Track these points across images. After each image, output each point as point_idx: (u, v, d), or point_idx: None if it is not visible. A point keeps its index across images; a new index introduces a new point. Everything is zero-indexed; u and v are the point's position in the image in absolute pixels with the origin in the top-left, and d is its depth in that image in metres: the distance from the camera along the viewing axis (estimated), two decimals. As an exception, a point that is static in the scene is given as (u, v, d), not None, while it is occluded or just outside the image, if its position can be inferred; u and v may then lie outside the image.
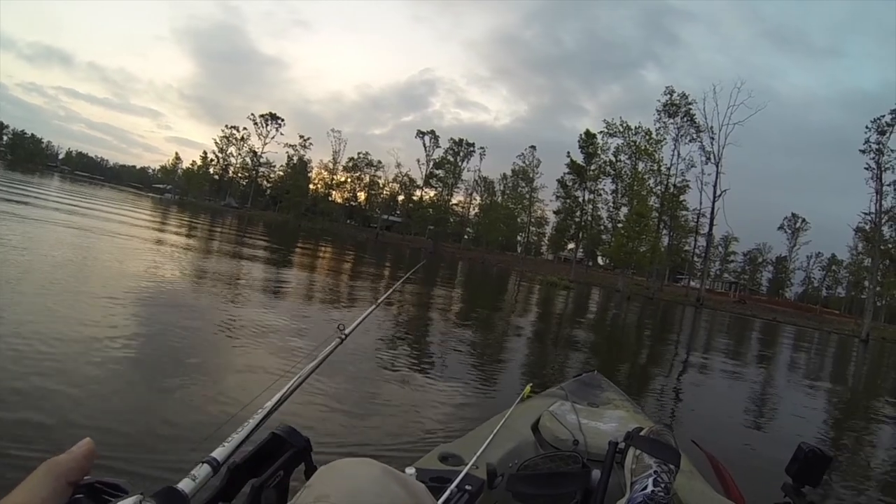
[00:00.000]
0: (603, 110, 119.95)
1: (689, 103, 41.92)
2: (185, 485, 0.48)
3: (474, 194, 62.62)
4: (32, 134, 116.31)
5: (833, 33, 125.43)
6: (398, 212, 66.52)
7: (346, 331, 1.10)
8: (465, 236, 65.84)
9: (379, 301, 1.55)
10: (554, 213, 54.24)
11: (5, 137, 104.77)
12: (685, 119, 42.23)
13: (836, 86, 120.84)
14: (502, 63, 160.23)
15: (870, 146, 34.15)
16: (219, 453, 0.56)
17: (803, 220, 60.12)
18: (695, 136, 42.09)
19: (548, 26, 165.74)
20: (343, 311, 7.42)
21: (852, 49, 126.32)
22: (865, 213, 34.71)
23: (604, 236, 49.39)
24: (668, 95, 42.70)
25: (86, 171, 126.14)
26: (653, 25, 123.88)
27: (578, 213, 50.79)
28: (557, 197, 52.16)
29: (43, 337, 3.50)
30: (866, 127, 34.42)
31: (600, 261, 58.80)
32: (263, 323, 5.38)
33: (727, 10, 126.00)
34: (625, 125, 44.66)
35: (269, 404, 0.72)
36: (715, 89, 41.66)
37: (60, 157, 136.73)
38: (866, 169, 34.13)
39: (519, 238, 60.64)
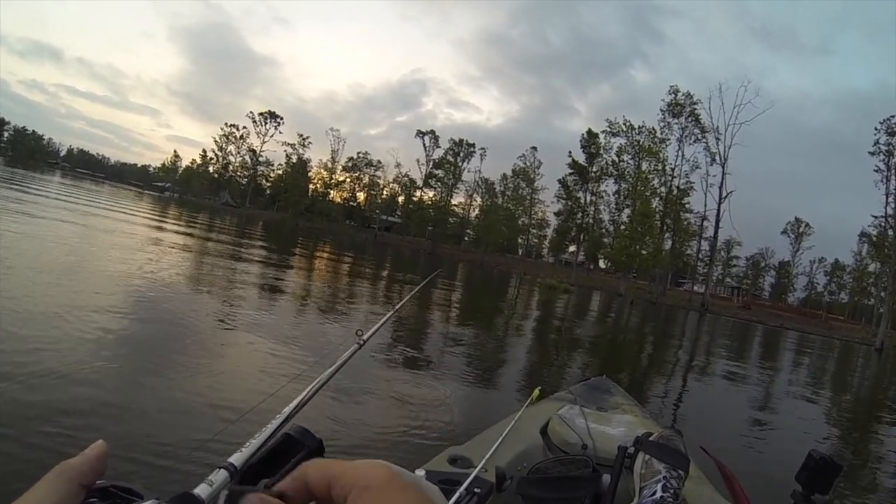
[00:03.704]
0: (593, 110, 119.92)
1: (694, 103, 41.21)
2: (201, 490, 0.48)
3: (474, 195, 62.04)
4: (34, 130, 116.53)
5: (822, 31, 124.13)
6: (397, 213, 65.89)
7: (365, 336, 1.09)
8: (466, 238, 65.18)
9: (395, 308, 1.54)
10: (555, 214, 53.57)
11: (6, 134, 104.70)
12: (690, 119, 41.50)
13: (829, 86, 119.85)
14: (491, 62, 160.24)
15: (879, 148, 33.49)
16: (236, 458, 0.56)
17: (806, 224, 59.43)
18: (699, 136, 41.38)
19: (534, 25, 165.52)
20: (335, 327, 6.84)
21: (843, 47, 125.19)
22: (876, 217, 33.98)
23: (605, 239, 48.64)
24: (673, 95, 42.00)
25: (86, 168, 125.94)
26: (638, 23, 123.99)
27: (580, 215, 50.08)
28: (559, 198, 51.46)
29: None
30: (875, 128, 33.81)
31: (602, 264, 58.09)
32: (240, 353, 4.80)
33: (712, 7, 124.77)
34: (628, 124, 43.89)
35: (287, 409, 0.72)
36: (721, 88, 40.88)
37: (62, 154, 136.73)
38: (876, 171, 33.47)
39: (520, 240, 59.94)
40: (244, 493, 0.27)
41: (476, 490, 1.11)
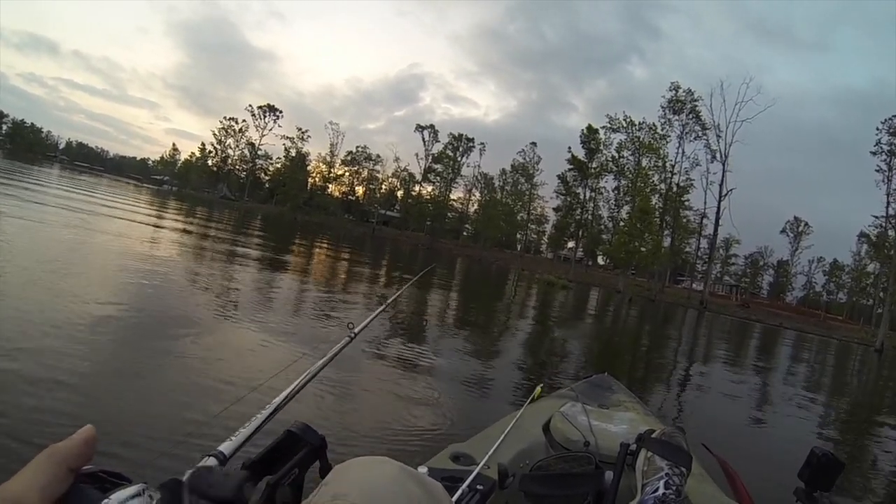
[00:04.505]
0: (590, 106, 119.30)
1: (695, 100, 40.98)
2: None
3: (473, 190, 61.81)
4: (32, 123, 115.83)
5: (819, 27, 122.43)
6: (396, 207, 65.66)
7: (356, 330, 1.11)
8: (464, 233, 64.99)
9: (388, 302, 1.57)
10: (554, 210, 53.37)
11: (5, 127, 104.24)
12: (690, 116, 41.27)
13: (827, 83, 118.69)
14: (488, 58, 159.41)
15: (881, 148, 33.31)
16: (226, 447, 0.57)
17: (805, 223, 59.31)
18: (700, 133, 41.15)
19: (530, 20, 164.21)
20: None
21: (840, 44, 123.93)
22: (877, 217, 33.82)
23: (604, 236, 48.47)
24: (674, 92, 41.74)
25: (85, 161, 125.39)
26: (634, 18, 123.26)
27: (579, 211, 49.88)
28: (558, 194, 51.24)
29: None
30: (876, 128, 33.64)
31: (600, 260, 57.94)
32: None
33: (709, 2, 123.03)
34: (628, 120, 43.65)
35: (278, 400, 0.72)
36: (722, 85, 40.65)
37: (61, 147, 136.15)
38: (877, 171, 33.30)
39: (518, 235, 59.78)
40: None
41: (478, 487, 1.11)
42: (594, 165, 47.96)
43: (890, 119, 33.00)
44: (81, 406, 2.57)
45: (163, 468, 1.97)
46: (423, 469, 1.14)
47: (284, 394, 0.74)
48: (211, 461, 0.52)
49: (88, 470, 0.32)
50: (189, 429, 2.44)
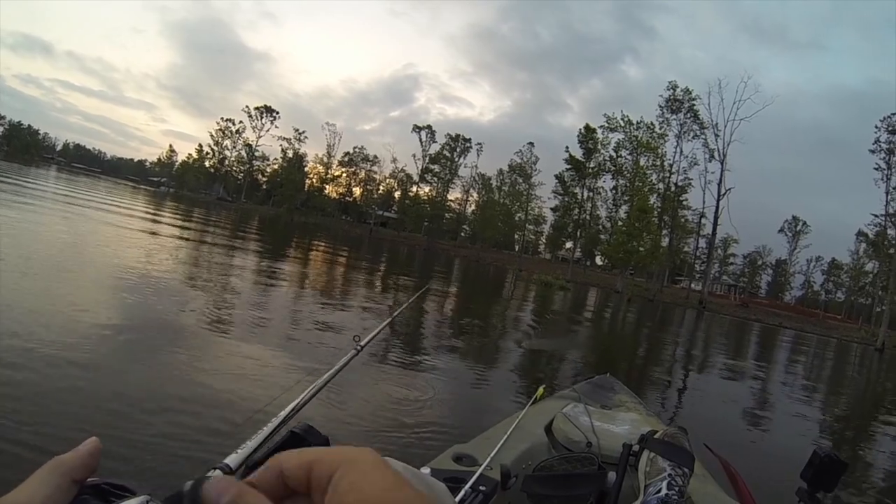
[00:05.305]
0: (585, 106, 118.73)
1: (693, 99, 40.87)
2: None
3: (471, 191, 61.62)
4: (29, 125, 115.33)
5: (814, 27, 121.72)
6: (393, 208, 65.46)
7: (362, 342, 1.12)
8: (462, 233, 64.82)
9: (394, 315, 1.58)
10: (551, 210, 53.21)
11: (1, 129, 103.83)
12: (688, 115, 41.16)
13: (821, 82, 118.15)
14: (483, 58, 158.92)
15: (879, 145, 33.25)
16: (231, 459, 0.57)
17: (804, 222, 59.27)
18: (698, 132, 41.03)
19: (524, 20, 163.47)
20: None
21: (834, 43, 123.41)
22: (876, 215, 33.74)
23: (602, 236, 48.33)
24: (671, 91, 41.63)
25: (82, 163, 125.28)
26: (628, 18, 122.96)
27: (577, 211, 49.72)
28: (555, 194, 51.06)
29: None
30: (875, 126, 33.58)
31: (598, 260, 57.83)
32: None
33: (703, 2, 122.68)
34: (626, 119, 43.50)
35: (284, 413, 0.74)
36: (720, 84, 40.50)
37: (58, 148, 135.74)
38: (876, 169, 33.23)
39: (516, 236, 59.62)
40: (205, 478, 0.25)
41: (481, 488, 1.11)
42: (592, 165, 47.82)
43: (889, 117, 33.02)
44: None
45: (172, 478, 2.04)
46: (425, 470, 1.09)
47: (291, 406, 0.75)
48: (216, 474, 0.52)
49: (93, 481, 0.32)
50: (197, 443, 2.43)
